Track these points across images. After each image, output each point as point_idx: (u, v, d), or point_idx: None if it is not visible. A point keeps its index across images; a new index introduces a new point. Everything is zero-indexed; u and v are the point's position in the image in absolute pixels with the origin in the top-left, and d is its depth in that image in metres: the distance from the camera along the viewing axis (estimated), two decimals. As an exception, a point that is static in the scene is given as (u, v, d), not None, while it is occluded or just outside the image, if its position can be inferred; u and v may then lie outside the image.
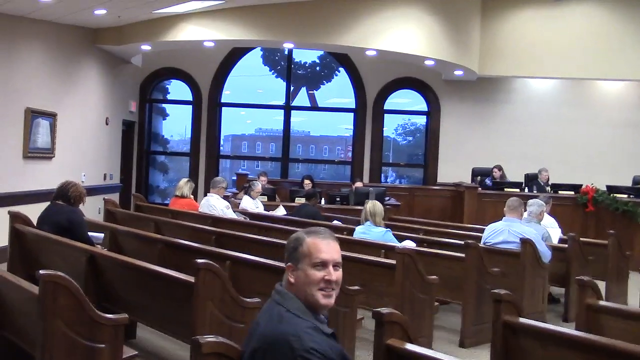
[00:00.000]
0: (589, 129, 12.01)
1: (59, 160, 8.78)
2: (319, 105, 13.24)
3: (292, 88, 12.93)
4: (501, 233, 5.86)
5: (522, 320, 2.95)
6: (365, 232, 5.93)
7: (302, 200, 8.67)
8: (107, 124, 10.59)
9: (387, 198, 9.35)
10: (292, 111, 12.96)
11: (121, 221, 6.96)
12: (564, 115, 12.08)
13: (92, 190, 8.71)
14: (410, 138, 13.99)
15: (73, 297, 2.94)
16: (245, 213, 8.08)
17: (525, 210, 6.23)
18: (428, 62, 10.58)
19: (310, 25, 9.64)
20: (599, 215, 9.86)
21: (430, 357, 2.37)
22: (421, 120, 13.14)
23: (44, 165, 8.50)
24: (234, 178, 11.71)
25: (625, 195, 9.89)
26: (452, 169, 11.99)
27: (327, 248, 2.11)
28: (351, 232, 6.21)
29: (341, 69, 12.80)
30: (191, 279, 3.48)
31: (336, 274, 2.11)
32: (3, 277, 3.43)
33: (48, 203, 5.30)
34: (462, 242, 5.35)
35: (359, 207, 7.31)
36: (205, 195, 8.48)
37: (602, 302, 3.55)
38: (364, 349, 4.37)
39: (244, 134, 14.88)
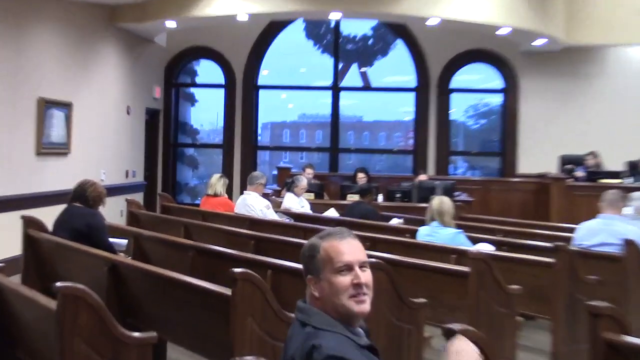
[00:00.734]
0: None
1: (75, 157, 9.04)
2: (373, 85, 13.20)
3: (340, 66, 12.94)
4: (598, 233, 5.75)
5: (630, 339, 2.84)
6: (432, 234, 5.89)
7: (355, 197, 8.68)
8: (128, 113, 10.83)
9: (456, 193, 9.33)
10: (341, 93, 12.97)
11: (146, 225, 7.09)
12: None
13: (113, 190, 8.93)
14: (484, 121, 13.82)
15: (95, 313, 2.98)
16: (288, 213, 8.12)
17: (627, 206, 6.11)
18: (502, 31, 10.40)
19: (361, -9, 9.62)
20: None
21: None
22: (496, 99, 12.96)
23: (59, 162, 8.76)
24: (275, 173, 11.82)
25: None
26: (535, 157, 11.86)
27: (349, 248, 2.10)
28: (414, 233, 6.19)
29: (398, 41, 12.72)
30: (227, 291, 3.50)
31: (365, 275, 2.10)
32: (17, 292, 3.52)
33: (64, 206, 5.43)
34: (551, 245, 5.27)
35: (424, 205, 7.27)
36: (241, 193, 8.56)
37: None
38: (432, 373, 4.33)
39: (285, 120, 15.00)
